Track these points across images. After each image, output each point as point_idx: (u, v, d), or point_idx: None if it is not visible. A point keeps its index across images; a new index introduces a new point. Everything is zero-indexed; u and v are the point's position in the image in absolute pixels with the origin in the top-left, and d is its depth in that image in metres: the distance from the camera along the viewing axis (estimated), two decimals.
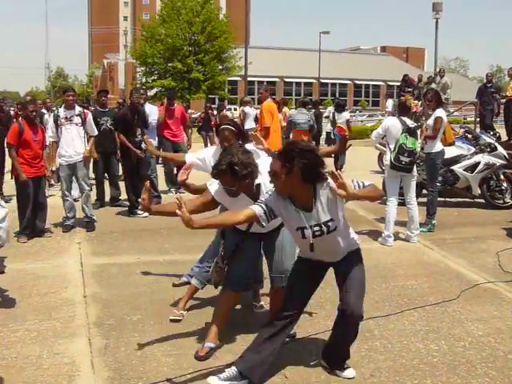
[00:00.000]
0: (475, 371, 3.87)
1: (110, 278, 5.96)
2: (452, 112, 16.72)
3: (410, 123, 6.99)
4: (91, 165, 9.61)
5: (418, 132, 7.04)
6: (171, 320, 4.74)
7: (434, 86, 16.65)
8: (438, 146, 7.65)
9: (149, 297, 5.41)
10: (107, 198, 9.86)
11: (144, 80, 41.84)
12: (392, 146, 6.98)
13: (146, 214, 8.98)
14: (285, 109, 15.28)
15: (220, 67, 40.34)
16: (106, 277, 6.01)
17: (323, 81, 53.37)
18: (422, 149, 7.59)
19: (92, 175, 9.81)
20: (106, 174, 10.02)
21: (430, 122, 7.69)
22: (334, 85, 57.50)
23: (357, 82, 57.69)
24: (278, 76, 54.50)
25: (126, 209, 9.55)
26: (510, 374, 3.83)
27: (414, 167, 7.01)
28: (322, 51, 47.20)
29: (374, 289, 5.47)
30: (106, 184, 9.98)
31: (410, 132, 6.89)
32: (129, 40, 59.39)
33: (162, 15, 40.94)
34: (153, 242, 7.39)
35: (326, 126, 15.29)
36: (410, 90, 16.71)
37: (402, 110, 7.35)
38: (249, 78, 48.52)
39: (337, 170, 8.67)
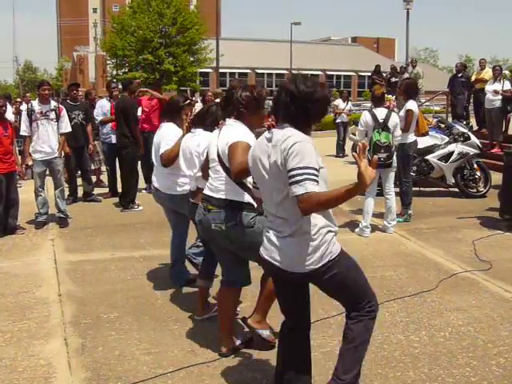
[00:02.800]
0: (456, 361, 3.87)
1: (85, 275, 5.85)
2: (424, 102, 16.83)
3: (381, 118, 6.96)
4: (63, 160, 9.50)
5: (392, 121, 6.99)
6: None
7: (406, 75, 16.73)
8: (410, 137, 7.66)
9: (125, 294, 5.32)
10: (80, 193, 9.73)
11: (115, 72, 41.37)
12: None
13: (141, 208, 8.93)
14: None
15: (191, 59, 40.08)
16: (80, 274, 5.89)
17: (295, 72, 53.35)
18: None
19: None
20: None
21: (402, 114, 7.70)
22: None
23: (328, 72, 57.76)
24: (250, 67, 54.35)
25: (100, 204, 9.44)
26: (490, 362, 3.85)
27: (394, 158, 7.00)
28: (294, 42, 47.11)
29: None
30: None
31: (381, 127, 6.88)
32: (99, 32, 58.50)
33: (132, 7, 40.46)
34: (127, 238, 7.28)
35: None
36: (379, 80, 16.78)
37: (376, 101, 7.32)
38: (222, 70, 48.39)
39: None
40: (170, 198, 5.21)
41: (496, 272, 5.66)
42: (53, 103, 8.05)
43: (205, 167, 4.10)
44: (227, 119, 3.86)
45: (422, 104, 16.70)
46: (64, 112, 8.15)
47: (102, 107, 10.19)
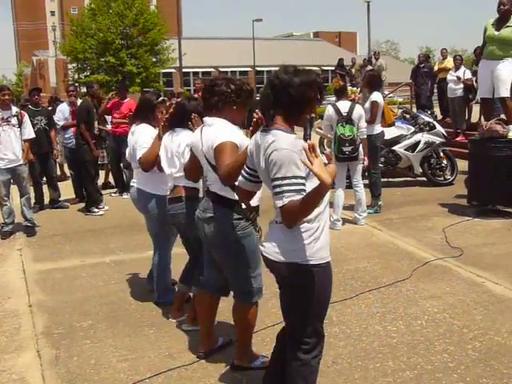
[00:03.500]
0: (434, 348, 3.90)
1: (55, 284, 5.72)
2: (388, 93, 16.99)
3: (344, 111, 6.98)
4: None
5: (356, 113, 7.00)
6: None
7: (369, 68, 16.87)
8: (377, 128, 7.70)
9: (98, 300, 5.21)
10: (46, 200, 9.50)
11: (76, 76, 40.74)
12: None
13: (102, 212, 8.82)
14: None
15: (154, 60, 39.72)
16: (50, 283, 5.76)
17: (258, 69, 53.33)
18: None
19: None
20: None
21: (367, 105, 7.74)
22: (269, 72, 57.41)
23: None
24: (213, 66, 54.09)
25: (67, 210, 9.28)
26: (466, 347, 3.88)
27: (360, 150, 7.02)
28: (256, 39, 47.05)
29: None
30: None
31: (345, 120, 6.90)
32: (58, 36, 57.58)
33: (91, 9, 39.86)
34: (97, 243, 7.16)
35: None
36: (343, 73, 16.90)
37: (337, 94, 7.33)
38: (185, 70, 48.09)
39: None
40: (142, 195, 4.99)
41: (467, 258, 5.73)
42: (14, 109, 7.86)
43: (188, 167, 3.89)
44: (206, 119, 3.64)
45: (386, 96, 16.84)
46: (26, 118, 7.95)
47: (63, 112, 10.01)
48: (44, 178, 9.66)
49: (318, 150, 2.57)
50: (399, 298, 4.81)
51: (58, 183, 9.92)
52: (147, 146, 4.68)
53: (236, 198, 3.40)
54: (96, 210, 8.82)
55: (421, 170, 9.46)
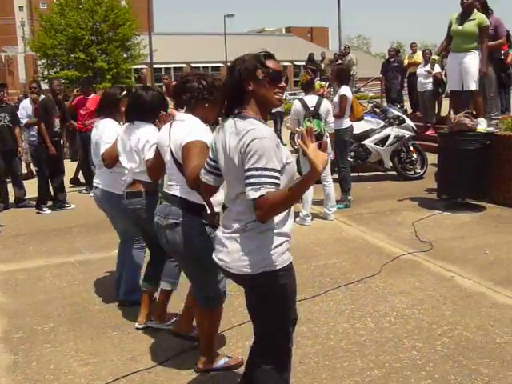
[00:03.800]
0: (403, 345, 3.83)
1: (18, 286, 5.55)
2: (359, 88, 17.00)
3: (312, 105, 6.89)
4: None
5: (323, 107, 6.93)
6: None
7: (339, 62, 16.85)
8: (345, 123, 7.65)
9: (60, 302, 5.06)
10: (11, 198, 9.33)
11: (46, 72, 40.06)
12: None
13: (49, 211, 8.69)
14: None
15: (124, 55, 39.23)
16: (12, 285, 5.59)
17: (230, 64, 53.24)
18: None
19: None
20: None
21: (335, 99, 7.69)
22: None
23: None
24: (185, 61, 53.70)
25: (33, 209, 9.07)
26: (435, 343, 3.83)
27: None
28: (229, 35, 46.79)
29: (296, 271, 5.35)
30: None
31: (312, 115, 6.82)
32: (27, 31, 56.56)
33: (60, 4, 39.18)
34: (62, 243, 6.99)
35: None
36: (313, 68, 16.81)
37: (306, 88, 7.25)
38: (155, 65, 47.59)
39: None
40: (110, 197, 4.84)
41: (436, 252, 5.71)
42: None
43: (152, 165, 3.72)
44: (177, 113, 3.50)
45: (357, 90, 16.86)
46: None
47: (26, 109, 9.77)
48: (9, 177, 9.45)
49: (275, 144, 2.46)
50: (368, 294, 4.74)
51: (25, 181, 9.72)
52: (111, 142, 4.54)
53: (203, 202, 3.28)
54: (45, 208, 8.77)
55: (391, 164, 9.45)
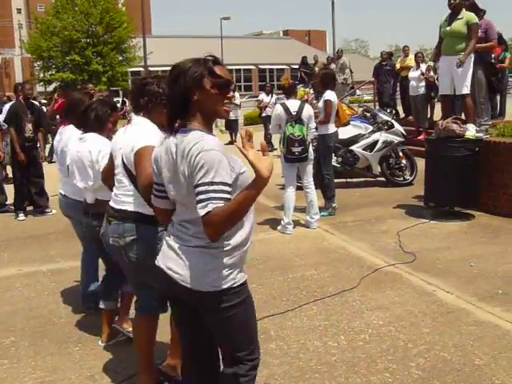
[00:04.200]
0: (375, 366, 3.60)
1: None
2: (351, 92, 16.79)
3: (294, 110, 6.67)
4: None
5: (306, 112, 6.71)
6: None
7: (333, 66, 16.65)
8: (331, 128, 7.43)
9: (26, 314, 4.85)
10: None
11: (42, 75, 39.95)
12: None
13: (23, 217, 8.49)
14: None
15: (120, 58, 39.12)
16: None
17: (227, 67, 52.94)
18: (316, 129, 7.33)
19: None
20: None
21: (320, 104, 7.47)
22: (238, 70, 57.15)
23: (261, 66, 57.74)
24: None
25: (13, 214, 8.85)
26: (410, 365, 3.59)
27: (310, 150, 6.72)
28: (225, 37, 46.65)
29: (271, 283, 5.17)
30: None
31: (295, 119, 6.61)
32: (24, 34, 56.41)
33: (56, 7, 39.08)
34: (38, 250, 6.78)
35: None
36: (307, 71, 16.65)
37: (288, 92, 7.02)
38: (152, 68, 47.27)
39: None
40: (74, 204, 4.63)
41: (420, 263, 5.47)
42: None
43: (107, 175, 3.49)
44: (133, 117, 3.30)
45: (349, 93, 16.65)
46: None
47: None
48: None
49: (222, 155, 2.23)
50: (344, 309, 4.50)
51: (6, 186, 9.50)
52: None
53: (151, 213, 3.05)
54: (20, 214, 8.62)
55: (379, 170, 9.23)
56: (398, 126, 9.20)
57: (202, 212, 2.16)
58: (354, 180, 9.52)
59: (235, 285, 2.38)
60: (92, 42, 38.44)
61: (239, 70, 57.43)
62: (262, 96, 15.25)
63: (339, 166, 9.16)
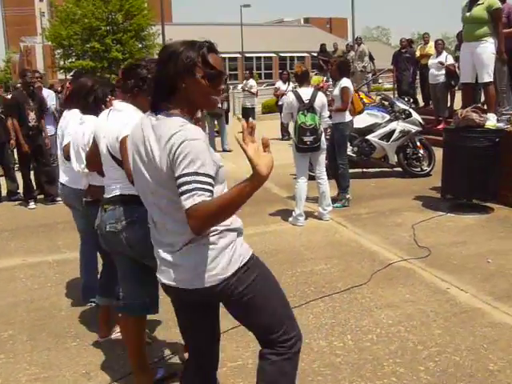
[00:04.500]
0: (382, 370, 3.40)
1: None
2: (370, 80, 16.45)
3: (306, 98, 6.45)
4: None
5: (319, 101, 6.48)
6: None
7: (352, 54, 16.35)
8: (347, 116, 7.24)
9: (28, 306, 4.75)
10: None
11: (62, 62, 40.09)
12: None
13: (34, 206, 8.40)
14: None
15: (139, 45, 39.04)
16: None
17: (247, 55, 52.63)
18: (330, 117, 7.11)
19: None
20: None
21: (336, 92, 7.24)
22: (258, 58, 56.81)
23: (282, 54, 57.26)
24: None
25: (25, 202, 8.80)
26: (418, 368, 3.39)
27: (322, 140, 6.50)
28: (246, 25, 46.30)
29: (279, 277, 4.83)
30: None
31: (307, 108, 6.39)
32: (45, 22, 56.69)
33: None
34: (45, 240, 6.68)
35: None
36: (325, 59, 16.37)
37: (299, 80, 6.78)
38: None
39: None
40: (74, 193, 4.49)
41: (434, 259, 5.24)
42: None
43: (89, 155, 3.41)
44: (115, 102, 3.18)
45: (367, 82, 16.32)
46: None
47: None
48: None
49: (205, 145, 2.05)
50: (352, 306, 4.31)
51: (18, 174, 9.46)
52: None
53: None
54: (31, 203, 8.58)
55: (396, 160, 8.96)
56: (415, 115, 8.91)
57: (187, 204, 1.99)
58: (370, 170, 9.27)
59: (242, 263, 2.25)
60: (112, 30, 38.38)
61: (259, 57, 57.04)
62: (279, 84, 15.01)
63: (355, 156, 8.93)
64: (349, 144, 8.87)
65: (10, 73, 75.45)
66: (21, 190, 9.05)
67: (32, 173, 8.84)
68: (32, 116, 8.29)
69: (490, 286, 4.56)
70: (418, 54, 13.34)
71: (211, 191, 2.01)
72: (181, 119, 2.13)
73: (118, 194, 3.08)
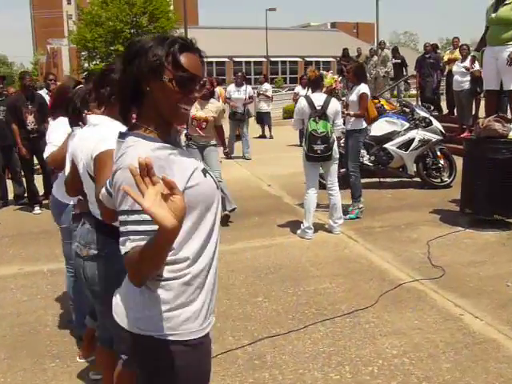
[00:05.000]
0: None
1: None
2: (393, 86, 16.01)
3: (319, 104, 6.12)
4: None
5: (332, 107, 6.14)
6: None
7: (375, 59, 15.95)
8: (363, 123, 6.91)
9: (13, 320, 4.51)
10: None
11: (87, 65, 40.39)
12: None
13: (39, 211, 8.19)
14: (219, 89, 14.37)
15: None
16: None
17: (273, 59, 52.37)
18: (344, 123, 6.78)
19: None
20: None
21: (354, 97, 6.89)
22: (284, 62, 56.49)
23: (307, 58, 56.83)
24: (227, 56, 53.26)
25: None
26: None
27: (335, 149, 6.14)
28: (272, 29, 46.13)
29: (279, 296, 4.64)
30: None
31: (319, 115, 6.05)
32: (72, 24, 57.33)
33: None
34: (44, 248, 6.44)
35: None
36: (347, 64, 15.97)
37: (313, 85, 6.44)
38: None
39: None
40: (59, 207, 4.21)
41: (448, 280, 4.84)
42: None
43: (69, 179, 3.01)
44: (89, 117, 2.82)
45: (391, 87, 15.89)
46: None
47: None
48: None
49: (157, 171, 1.50)
50: (354, 332, 3.94)
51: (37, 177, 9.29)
52: (58, 144, 3.88)
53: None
54: (36, 208, 8.37)
55: (415, 170, 8.55)
56: (436, 124, 8.49)
57: (121, 250, 1.64)
58: (388, 180, 8.86)
59: (183, 338, 1.78)
60: (136, 33, 38.53)
61: (285, 61, 56.73)
62: (298, 89, 14.67)
63: (372, 165, 8.56)
64: (365, 152, 8.52)
65: (37, 74, 76.46)
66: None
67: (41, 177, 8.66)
68: (30, 119, 8.08)
69: (508, 314, 4.15)
70: (445, 58, 12.86)
71: (152, 231, 1.57)
72: (134, 138, 1.76)
73: (98, 219, 2.75)
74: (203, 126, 6.77)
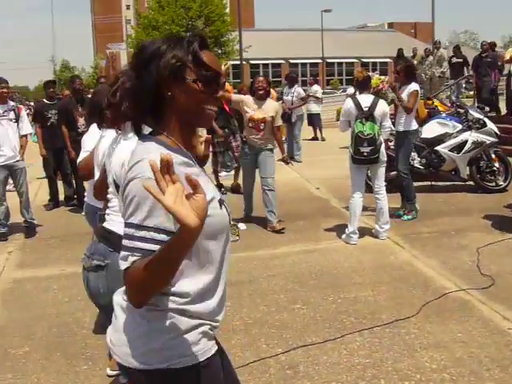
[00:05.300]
0: None
1: (20, 298, 5.12)
2: (449, 85, 15.53)
3: (366, 105, 5.94)
4: (41, 163, 9.08)
5: (379, 109, 5.96)
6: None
7: (430, 59, 15.53)
8: (414, 124, 6.74)
9: (52, 321, 4.57)
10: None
11: None
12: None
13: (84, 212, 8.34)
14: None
15: (219, 51, 39.41)
16: (16, 295, 5.18)
17: (329, 60, 52.00)
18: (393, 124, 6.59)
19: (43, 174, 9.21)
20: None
21: (404, 96, 6.68)
22: (340, 64, 55.98)
23: (364, 60, 56.12)
24: (283, 58, 53.21)
25: (81, 208, 8.78)
26: None
27: (382, 151, 5.95)
28: (328, 30, 45.79)
29: (318, 303, 4.51)
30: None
31: (366, 116, 5.87)
32: (130, 29, 58.69)
33: (159, 2, 40.07)
34: None
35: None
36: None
37: (361, 86, 6.25)
38: (253, 62, 47.25)
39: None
40: (93, 213, 4.20)
41: (497, 290, 4.58)
42: (11, 103, 7.40)
43: (99, 190, 3.03)
44: (125, 131, 2.79)
45: (447, 87, 15.42)
46: (24, 112, 7.56)
47: None
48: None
49: (177, 169, 1.42)
50: (393, 344, 3.77)
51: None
52: (90, 150, 3.89)
53: None
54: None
55: (468, 174, 8.22)
56: (490, 125, 8.13)
57: (121, 265, 1.53)
58: (440, 184, 8.54)
59: (192, 362, 1.64)
60: None
61: (341, 63, 56.24)
62: (350, 90, 14.44)
63: (423, 168, 8.28)
64: (416, 155, 8.26)
65: (96, 78, 78.55)
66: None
67: None
68: (81, 122, 8.22)
69: None
70: (507, 57, 12.34)
71: (155, 252, 1.47)
72: (154, 145, 1.62)
73: (114, 230, 2.71)
74: (261, 128, 6.59)
